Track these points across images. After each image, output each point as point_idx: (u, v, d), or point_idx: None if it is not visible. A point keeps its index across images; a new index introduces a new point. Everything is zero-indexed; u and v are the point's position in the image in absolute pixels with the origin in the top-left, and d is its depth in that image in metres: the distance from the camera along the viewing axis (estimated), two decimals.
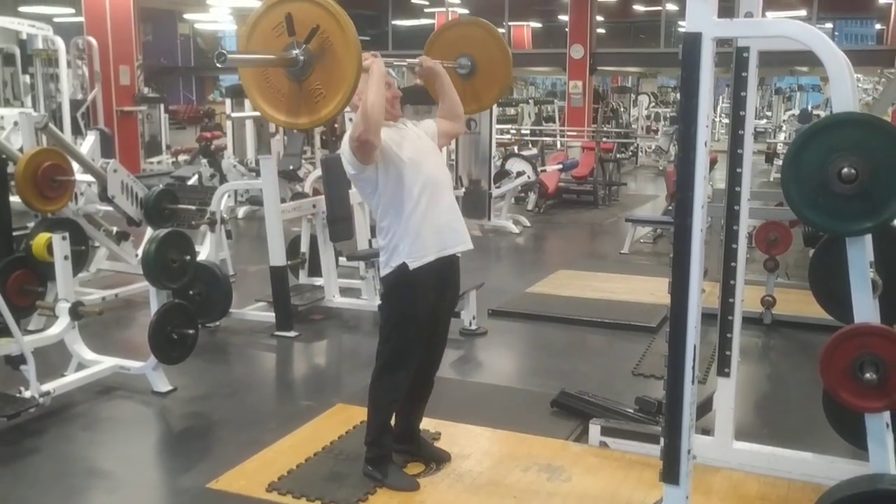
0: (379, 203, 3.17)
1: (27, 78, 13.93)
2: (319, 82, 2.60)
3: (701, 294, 2.42)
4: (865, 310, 2.63)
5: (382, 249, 3.22)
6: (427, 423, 3.70)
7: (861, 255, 2.58)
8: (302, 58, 2.59)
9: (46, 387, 4.06)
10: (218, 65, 2.45)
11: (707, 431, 3.57)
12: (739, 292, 3.31)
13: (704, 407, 3.61)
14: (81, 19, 13.82)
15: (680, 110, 2.38)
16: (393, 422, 3.40)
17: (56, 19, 17.21)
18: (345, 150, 3.10)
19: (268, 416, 4.28)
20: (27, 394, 3.97)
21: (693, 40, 2.33)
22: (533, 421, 4.04)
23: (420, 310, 3.20)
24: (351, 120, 6.27)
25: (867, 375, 2.60)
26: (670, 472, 2.52)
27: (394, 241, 3.15)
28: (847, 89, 2.43)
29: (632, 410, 3.95)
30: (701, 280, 2.41)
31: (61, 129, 10.66)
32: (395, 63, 3.13)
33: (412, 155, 3.15)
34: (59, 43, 12.05)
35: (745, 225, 3.27)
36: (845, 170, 2.37)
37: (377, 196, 3.17)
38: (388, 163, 3.10)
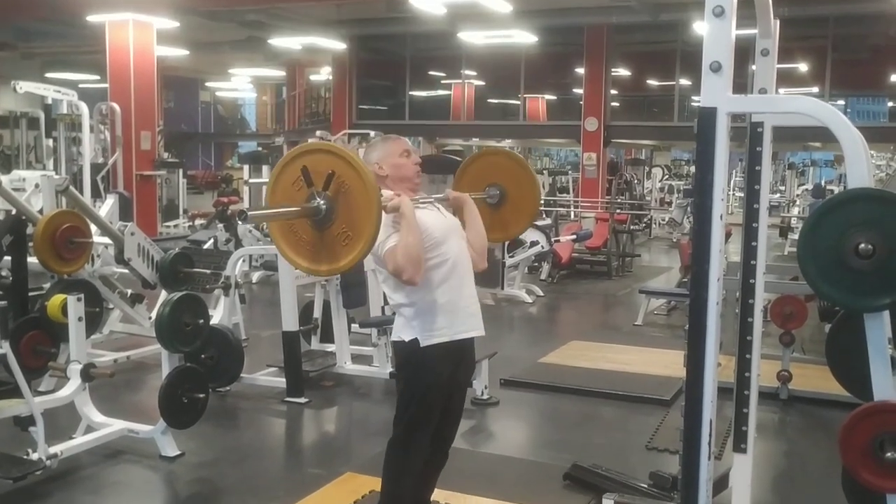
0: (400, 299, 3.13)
1: (50, 141, 14.22)
2: (344, 226, 2.68)
3: (717, 368, 2.39)
4: (885, 387, 2.59)
5: (398, 314, 3.19)
6: (437, 495, 3.63)
7: (879, 331, 2.55)
8: (324, 206, 2.66)
9: (54, 449, 4.02)
10: (240, 222, 2.52)
11: None
12: (756, 366, 3.27)
13: (720, 484, 3.53)
14: (106, 85, 14.13)
15: (695, 184, 2.38)
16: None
17: (81, 85, 17.66)
18: (377, 258, 3.03)
19: (276, 483, 4.22)
20: (34, 456, 3.94)
21: (708, 115, 2.35)
22: (545, 494, 3.97)
23: (432, 389, 3.15)
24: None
25: (888, 455, 2.54)
26: None
27: (410, 312, 3.12)
28: (862, 165, 2.43)
29: (646, 485, 3.87)
30: (717, 354, 2.38)
31: (82, 192, 10.83)
32: (421, 202, 3.20)
33: (442, 236, 3.13)
34: (84, 108, 12.33)
35: (761, 298, 3.25)
36: (862, 245, 2.36)
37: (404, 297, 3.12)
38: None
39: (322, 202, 2.66)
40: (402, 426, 3.20)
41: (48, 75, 20.43)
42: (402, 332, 3.15)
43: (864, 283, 2.41)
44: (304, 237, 2.74)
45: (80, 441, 4.31)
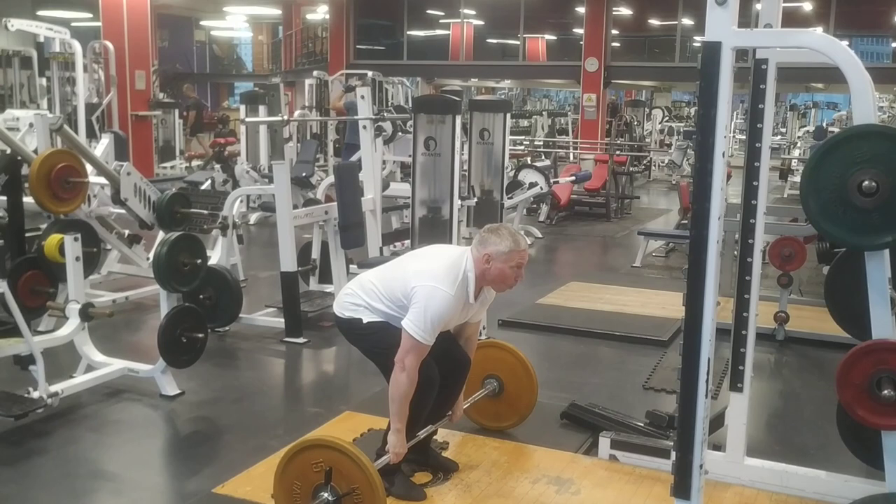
0: (392, 306, 3.18)
1: (43, 81, 14.01)
2: None
3: (716, 306, 2.38)
4: (883, 326, 2.60)
5: (361, 301, 3.26)
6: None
7: (880, 270, 2.54)
8: (331, 500, 2.79)
9: (55, 388, 4.05)
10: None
11: (718, 447, 3.52)
12: (754, 306, 3.27)
13: (716, 422, 3.57)
14: (99, 24, 13.89)
15: (698, 120, 2.35)
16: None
17: (74, 23, 17.35)
18: (408, 291, 3.13)
19: (275, 422, 4.26)
20: (35, 394, 3.96)
21: (713, 49, 2.30)
22: (542, 433, 4.00)
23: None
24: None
25: (885, 392, 2.55)
26: (682, 487, 2.48)
27: (375, 314, 3.23)
28: (869, 101, 2.40)
29: (642, 424, 3.91)
30: (716, 292, 2.38)
31: (76, 133, 10.68)
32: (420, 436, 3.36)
33: (454, 323, 3.33)
34: (77, 46, 12.09)
35: (761, 238, 3.24)
36: (866, 183, 2.33)
37: (397, 308, 3.18)
38: None
39: (330, 497, 2.78)
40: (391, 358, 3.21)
41: (39, 13, 20.07)
42: (346, 309, 3.29)
43: (867, 221, 2.39)
44: None
45: (80, 380, 4.33)
